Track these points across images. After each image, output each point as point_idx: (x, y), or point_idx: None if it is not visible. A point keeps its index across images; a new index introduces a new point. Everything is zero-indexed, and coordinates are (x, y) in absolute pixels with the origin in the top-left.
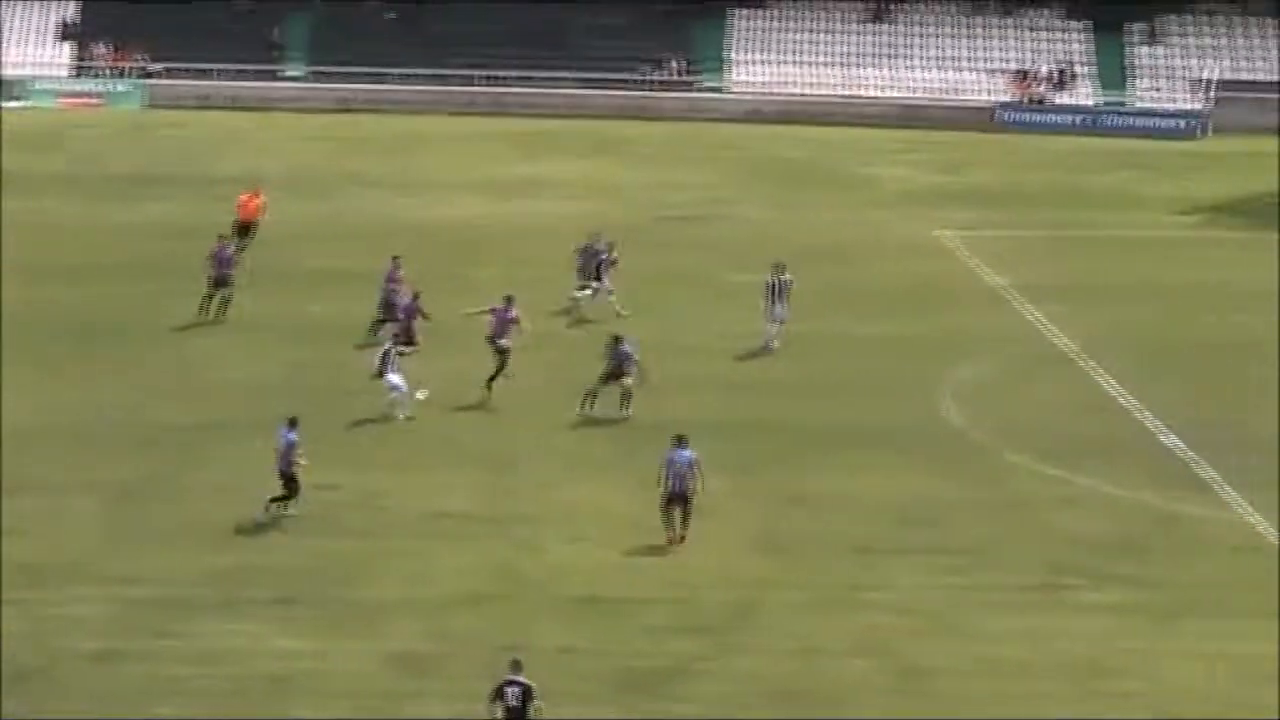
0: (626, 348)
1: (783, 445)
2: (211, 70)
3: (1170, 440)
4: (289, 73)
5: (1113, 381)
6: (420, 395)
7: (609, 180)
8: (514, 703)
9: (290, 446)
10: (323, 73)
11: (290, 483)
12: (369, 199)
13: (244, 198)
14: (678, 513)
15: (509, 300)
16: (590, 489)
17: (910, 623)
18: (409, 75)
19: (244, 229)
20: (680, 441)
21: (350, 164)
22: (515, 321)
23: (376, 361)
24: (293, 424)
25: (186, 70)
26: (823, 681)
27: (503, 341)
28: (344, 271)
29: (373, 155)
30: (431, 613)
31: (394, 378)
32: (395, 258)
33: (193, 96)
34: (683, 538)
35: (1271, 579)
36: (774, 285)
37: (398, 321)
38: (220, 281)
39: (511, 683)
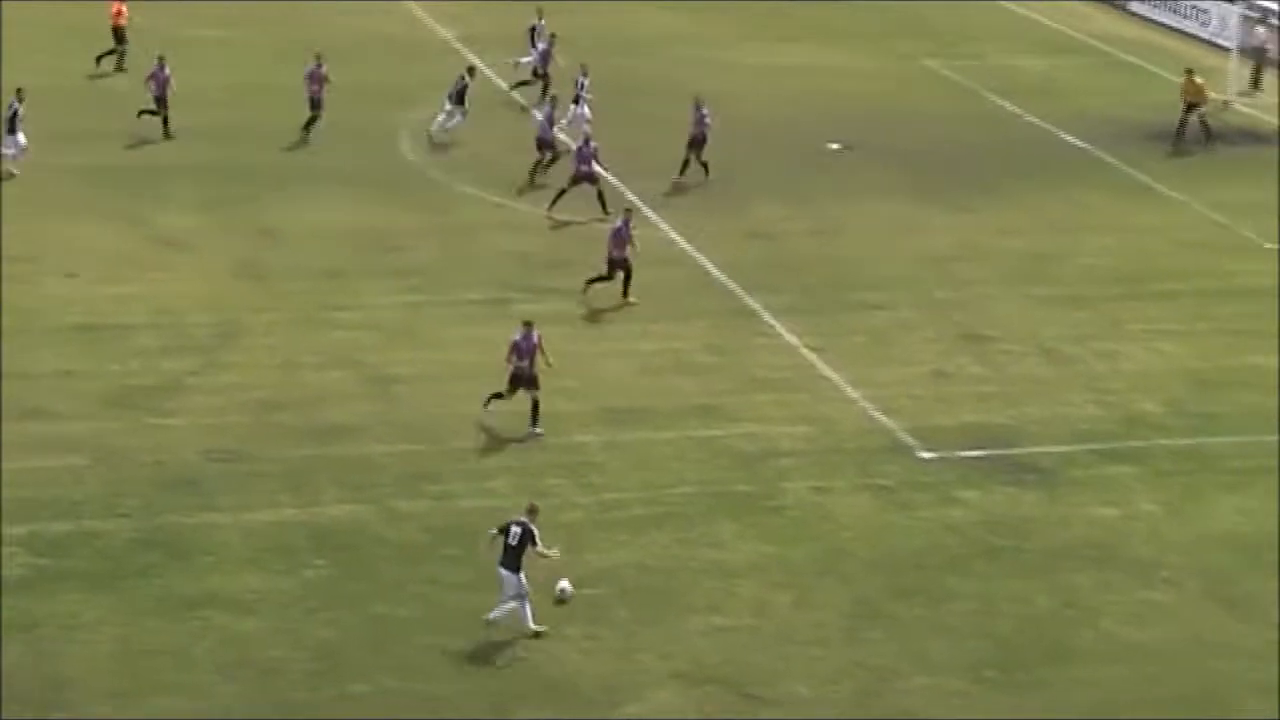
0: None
1: (255, 185)
2: None
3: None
4: None
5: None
6: None
7: None
8: (513, 542)
9: None
10: None
11: None
12: None
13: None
14: None
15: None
16: (82, 228)
17: (376, 336)
18: None
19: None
20: None
21: None
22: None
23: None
24: None
25: None
26: (301, 390)
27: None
28: None
29: None
30: None
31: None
32: (318, 54)
33: None
34: None
35: (681, 282)
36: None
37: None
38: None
39: (516, 523)
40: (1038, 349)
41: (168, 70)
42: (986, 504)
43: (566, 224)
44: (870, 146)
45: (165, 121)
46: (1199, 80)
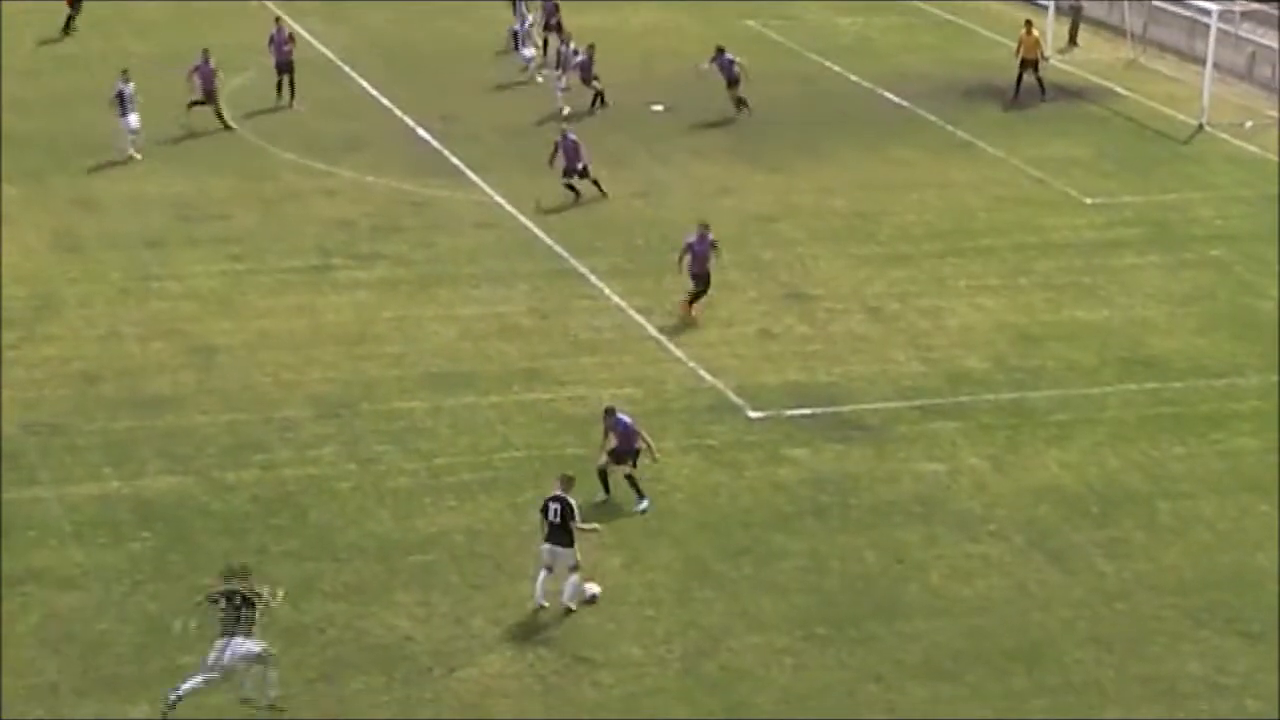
0: None
1: (70, 156)
2: None
3: (420, 132)
4: None
5: (367, 84)
6: None
7: None
8: (554, 519)
9: None
10: None
11: None
12: None
13: None
14: None
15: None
16: None
17: (198, 306)
18: None
19: None
20: None
21: None
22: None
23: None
24: None
25: None
26: (123, 362)
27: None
28: None
29: None
30: None
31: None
32: (278, 19)
33: None
34: None
35: (505, 246)
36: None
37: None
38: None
39: (553, 499)
40: (861, 307)
41: (212, 63)
42: (814, 462)
43: (394, 189)
44: (692, 108)
45: (219, 115)
46: (1035, 35)
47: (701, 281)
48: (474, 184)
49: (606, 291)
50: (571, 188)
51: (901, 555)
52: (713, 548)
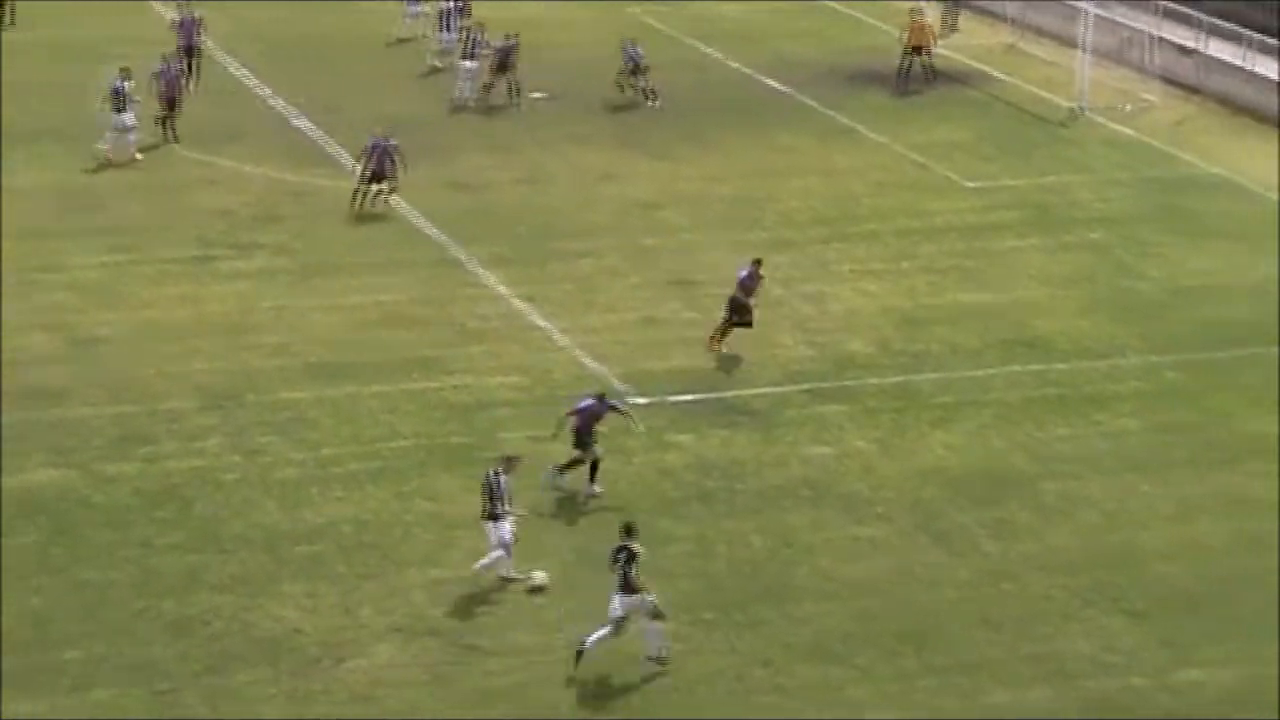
0: None
1: None
2: None
3: (301, 123)
4: None
5: (247, 73)
6: None
7: None
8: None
9: None
10: None
11: None
12: None
13: None
14: None
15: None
16: None
17: (80, 297)
18: None
19: None
20: None
21: None
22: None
23: None
24: None
25: None
26: (4, 354)
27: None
28: None
29: None
30: None
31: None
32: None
33: None
34: None
35: (388, 236)
36: None
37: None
38: None
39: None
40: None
41: (175, 69)
42: (700, 447)
43: (275, 179)
44: (574, 95)
45: (173, 126)
46: (925, 21)
47: (740, 313)
48: (356, 174)
49: (490, 280)
50: (368, 193)
51: (789, 539)
52: (600, 534)
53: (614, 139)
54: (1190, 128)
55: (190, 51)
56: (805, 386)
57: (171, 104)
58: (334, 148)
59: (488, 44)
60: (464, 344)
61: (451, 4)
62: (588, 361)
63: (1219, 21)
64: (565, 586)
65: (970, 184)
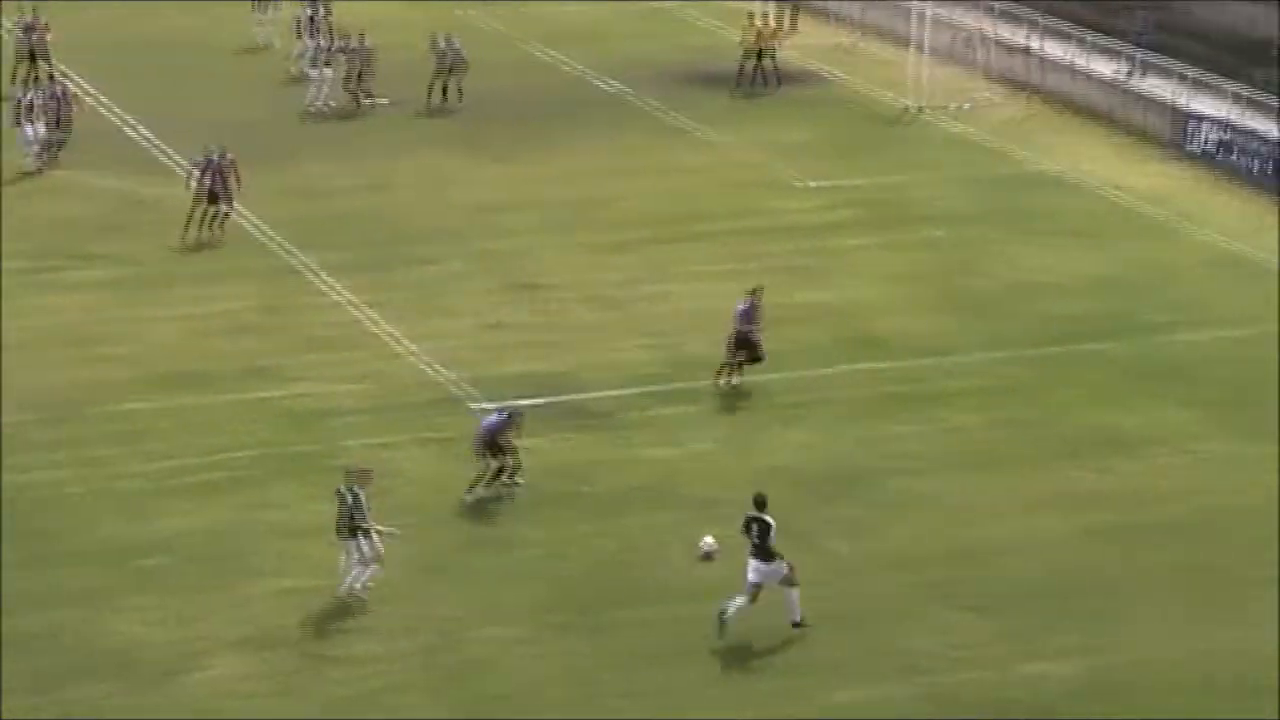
0: None
1: None
2: None
3: (142, 130)
4: None
5: (85, 81)
6: None
7: None
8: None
9: None
10: None
11: None
12: None
13: None
14: None
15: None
16: None
17: None
18: None
19: None
20: None
21: None
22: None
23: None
24: None
25: None
26: None
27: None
28: None
29: None
30: None
31: None
32: (34, 7)
33: None
34: None
35: (230, 244)
36: None
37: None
38: None
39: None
40: (589, 295)
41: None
42: (547, 451)
43: (116, 188)
44: (414, 100)
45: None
46: (761, 25)
47: (745, 348)
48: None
49: (334, 287)
50: (205, 215)
51: (637, 542)
52: (449, 540)
53: (458, 143)
54: (1025, 126)
55: (39, 54)
56: (650, 389)
57: (57, 123)
58: (173, 157)
59: (347, 46)
60: (307, 352)
61: (312, 10)
62: (433, 368)
63: (1052, 21)
64: (413, 593)
65: (811, 184)
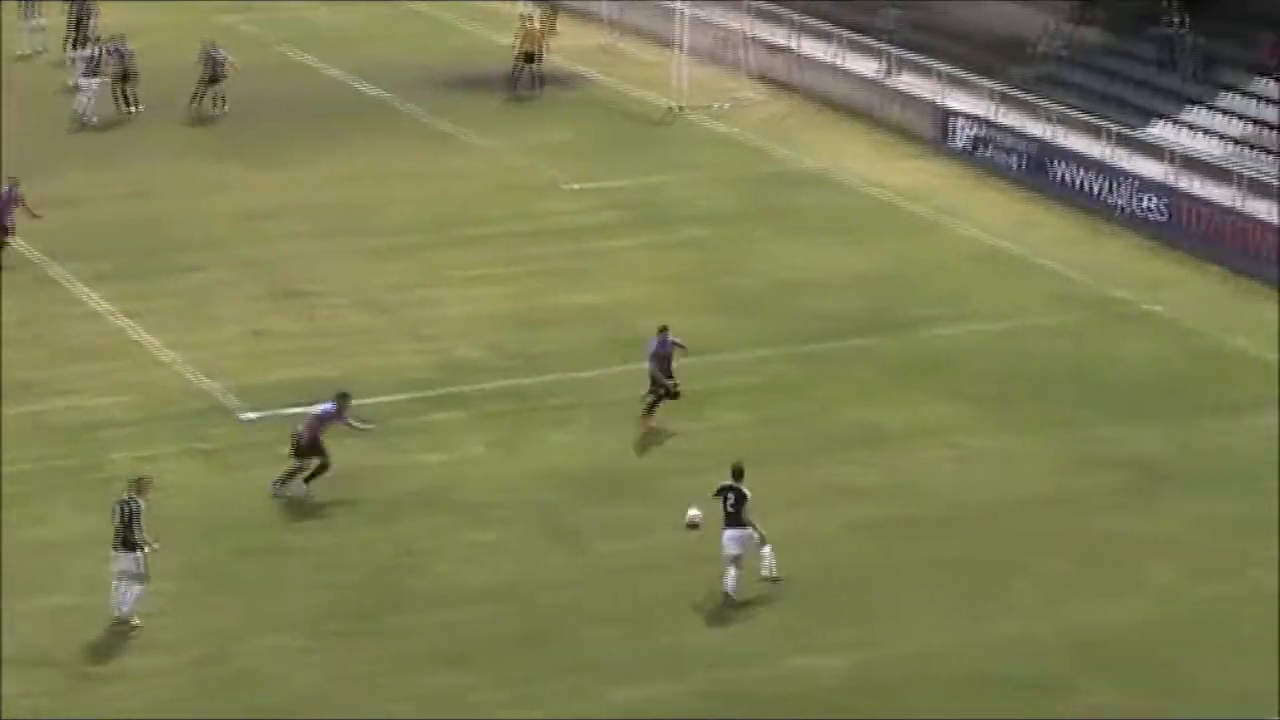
0: None
1: None
2: None
3: None
4: None
5: None
6: None
7: None
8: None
9: None
10: None
11: None
12: None
13: None
14: None
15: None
16: None
17: None
18: None
19: None
20: None
21: None
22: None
23: None
24: None
25: None
26: None
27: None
28: None
29: None
30: None
31: None
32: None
33: None
34: None
35: None
36: None
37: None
38: None
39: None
40: (358, 301)
41: None
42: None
43: None
44: (174, 107)
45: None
46: (530, 26)
47: (663, 387)
48: None
49: (92, 297)
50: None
51: (411, 547)
52: (219, 551)
53: (221, 150)
54: (786, 124)
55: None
56: (421, 394)
57: None
58: None
59: (113, 49)
60: (68, 364)
61: (79, 14)
62: (197, 378)
63: (811, 20)
64: (185, 606)
65: (575, 185)
